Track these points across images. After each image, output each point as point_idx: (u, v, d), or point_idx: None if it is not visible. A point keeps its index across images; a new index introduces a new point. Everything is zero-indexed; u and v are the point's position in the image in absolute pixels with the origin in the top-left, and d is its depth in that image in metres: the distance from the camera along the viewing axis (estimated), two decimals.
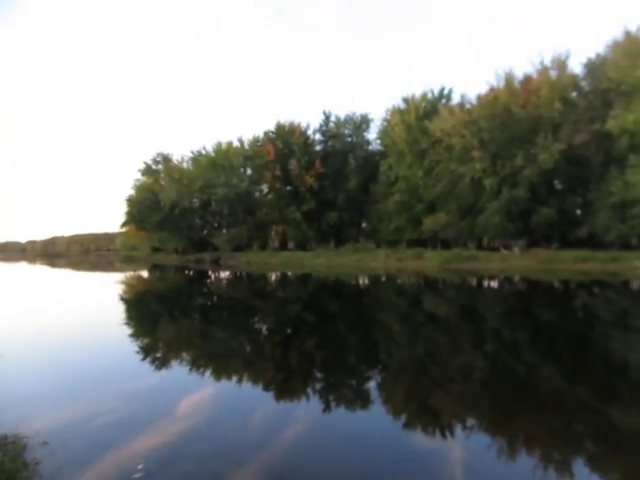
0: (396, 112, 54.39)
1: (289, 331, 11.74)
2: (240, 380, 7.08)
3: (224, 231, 68.23)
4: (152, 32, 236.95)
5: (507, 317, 13.63)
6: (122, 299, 19.26)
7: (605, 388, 6.53)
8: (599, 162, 39.72)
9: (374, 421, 5.39)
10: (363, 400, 6.10)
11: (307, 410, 5.71)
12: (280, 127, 64.45)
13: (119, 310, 15.44)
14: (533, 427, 5.14)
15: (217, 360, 8.39)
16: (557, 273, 28.88)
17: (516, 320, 13.04)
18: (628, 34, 37.21)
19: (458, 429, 5.08)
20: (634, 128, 34.08)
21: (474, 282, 25.53)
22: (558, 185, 46.16)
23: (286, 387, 6.79)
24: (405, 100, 54.43)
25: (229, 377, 7.31)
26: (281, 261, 50.92)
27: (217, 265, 52.34)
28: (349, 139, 63.21)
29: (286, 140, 63.36)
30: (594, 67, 41.62)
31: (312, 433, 5.04)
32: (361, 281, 28.56)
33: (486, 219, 43.49)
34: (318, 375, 7.60)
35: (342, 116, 63.28)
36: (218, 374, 7.46)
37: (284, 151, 62.90)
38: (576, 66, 44.10)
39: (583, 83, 43.58)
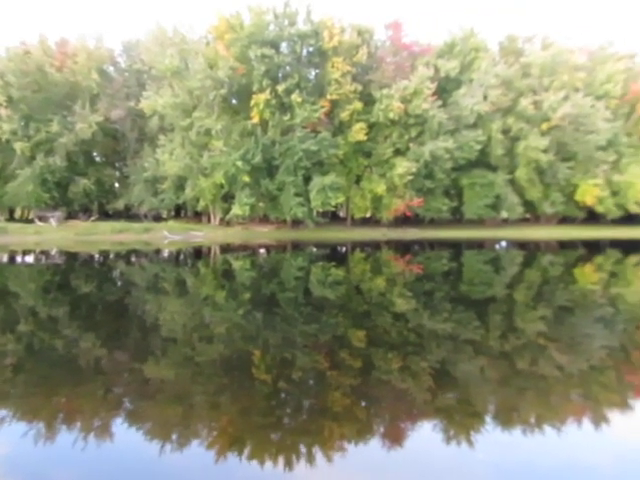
0: None
1: None
2: None
3: None
4: None
5: (44, 293, 12.80)
6: None
7: (140, 348, 7.14)
8: (134, 138, 42.52)
9: None
10: None
11: None
12: None
13: None
14: (72, 400, 5.07)
15: None
16: (97, 244, 29.18)
17: (54, 295, 12.44)
18: (159, 24, 40.93)
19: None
20: (163, 111, 38.06)
21: (5, 258, 22.63)
22: (97, 157, 46.62)
23: None
24: None
25: None
26: None
27: None
28: None
29: None
30: (130, 47, 43.84)
31: None
32: None
33: (18, 187, 39.19)
34: None
35: None
36: None
37: None
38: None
39: (120, 60, 45.24)
